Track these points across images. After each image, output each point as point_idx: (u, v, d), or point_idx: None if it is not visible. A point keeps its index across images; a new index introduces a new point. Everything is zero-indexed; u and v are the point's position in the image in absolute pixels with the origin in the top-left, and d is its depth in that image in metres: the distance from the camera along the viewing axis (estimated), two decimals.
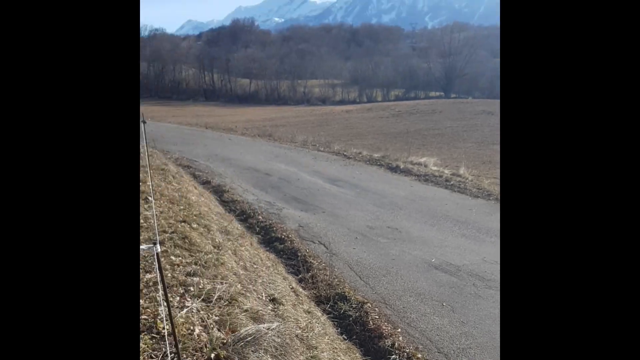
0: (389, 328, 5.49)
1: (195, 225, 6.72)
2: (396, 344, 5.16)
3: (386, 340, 5.23)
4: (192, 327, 3.82)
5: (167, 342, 3.33)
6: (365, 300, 6.03)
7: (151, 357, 3.34)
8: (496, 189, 11.92)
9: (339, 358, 4.63)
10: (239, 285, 4.96)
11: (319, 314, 5.66)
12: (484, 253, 7.73)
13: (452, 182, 13.14)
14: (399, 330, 5.49)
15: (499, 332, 2.05)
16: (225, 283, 4.81)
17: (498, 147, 5.30)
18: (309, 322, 4.98)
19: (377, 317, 5.70)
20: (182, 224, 6.60)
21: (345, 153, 18.09)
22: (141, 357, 3.31)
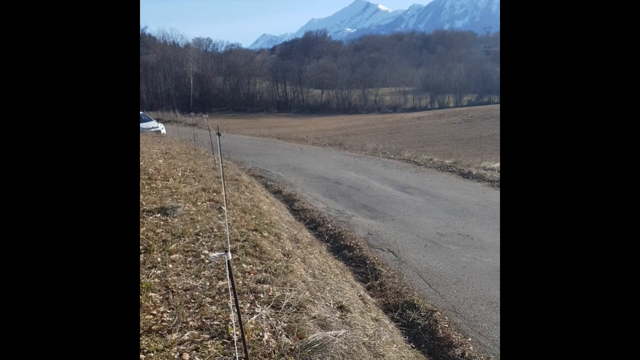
0: (459, 337, 5.38)
1: (266, 234, 6.88)
2: (466, 353, 5.05)
3: (456, 350, 5.13)
4: (261, 333, 3.92)
5: (236, 347, 3.45)
6: (435, 309, 5.95)
7: None
8: None
9: None
10: (307, 293, 5.03)
11: (387, 321, 5.64)
12: None
13: None
14: (470, 339, 5.37)
15: None
16: (294, 290, 4.90)
17: None
18: (377, 329, 4.97)
19: (446, 325, 5.60)
20: (254, 232, 6.78)
21: (415, 160, 17.89)
22: None
